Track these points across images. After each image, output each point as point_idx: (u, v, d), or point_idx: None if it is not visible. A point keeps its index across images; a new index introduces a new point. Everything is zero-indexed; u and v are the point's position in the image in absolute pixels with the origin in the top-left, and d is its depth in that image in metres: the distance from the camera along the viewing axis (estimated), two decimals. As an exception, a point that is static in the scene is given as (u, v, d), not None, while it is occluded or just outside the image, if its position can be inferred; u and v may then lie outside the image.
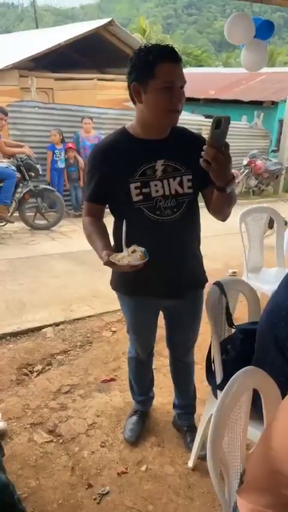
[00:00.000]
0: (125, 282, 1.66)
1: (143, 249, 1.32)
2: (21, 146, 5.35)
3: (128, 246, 1.35)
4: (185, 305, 1.72)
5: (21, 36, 13.16)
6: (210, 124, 1.22)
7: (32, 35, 12.72)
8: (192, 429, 1.97)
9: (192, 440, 1.90)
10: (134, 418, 2.06)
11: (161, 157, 1.47)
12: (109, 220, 1.64)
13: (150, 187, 1.46)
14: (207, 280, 1.78)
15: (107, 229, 1.57)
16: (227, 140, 1.25)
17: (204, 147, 1.23)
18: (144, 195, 1.47)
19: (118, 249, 1.42)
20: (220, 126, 1.21)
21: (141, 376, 2.03)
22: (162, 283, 1.60)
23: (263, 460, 0.80)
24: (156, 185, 1.47)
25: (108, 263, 1.32)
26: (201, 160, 1.25)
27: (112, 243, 1.54)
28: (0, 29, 67.16)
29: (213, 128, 1.21)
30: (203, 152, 1.23)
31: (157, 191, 1.47)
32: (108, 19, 9.80)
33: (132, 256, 1.32)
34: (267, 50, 3.30)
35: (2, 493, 1.24)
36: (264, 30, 3.14)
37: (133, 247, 1.34)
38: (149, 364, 2.02)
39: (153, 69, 1.33)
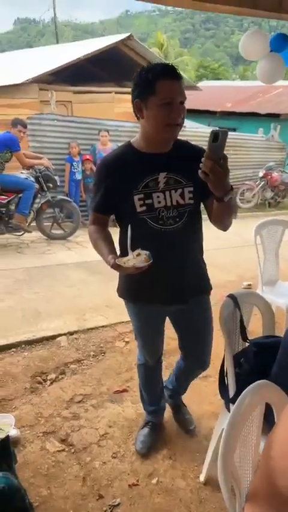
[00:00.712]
0: (130, 289, 1.73)
1: (147, 252, 1.39)
2: (40, 158, 5.47)
3: (132, 250, 1.42)
4: (189, 311, 1.75)
5: (41, 51, 13.50)
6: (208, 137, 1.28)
7: (52, 49, 13.05)
8: (181, 406, 2.19)
9: (184, 415, 2.15)
10: (146, 429, 2.06)
11: (164, 170, 1.54)
12: (115, 231, 1.67)
13: (153, 198, 1.53)
14: (211, 287, 1.81)
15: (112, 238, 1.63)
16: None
17: (203, 159, 1.28)
18: (148, 206, 1.53)
19: (123, 254, 1.49)
20: (218, 139, 1.27)
21: (151, 383, 2.04)
22: (165, 289, 1.66)
23: (264, 469, 0.81)
24: (158, 196, 1.54)
25: (115, 266, 1.39)
26: (199, 171, 1.30)
27: (118, 251, 1.59)
28: (22, 44, 69.13)
29: (210, 141, 1.27)
30: (201, 164, 1.29)
31: (159, 202, 1.54)
32: (127, 34, 9.98)
33: (137, 259, 1.38)
34: (283, 63, 3.32)
35: (14, 497, 1.26)
36: (279, 42, 3.16)
37: (138, 251, 1.40)
38: (158, 371, 2.03)
39: (154, 86, 1.40)
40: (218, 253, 5.47)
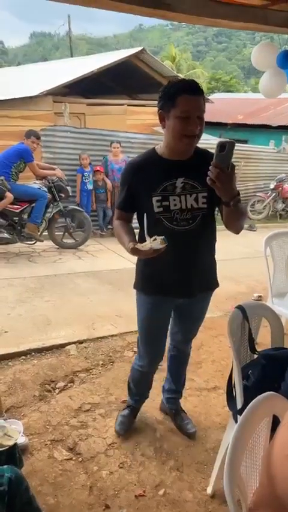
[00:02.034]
0: (144, 282, 1.90)
1: (163, 236, 1.53)
2: (53, 169, 5.57)
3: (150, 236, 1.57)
4: (194, 303, 1.93)
5: (56, 64, 13.81)
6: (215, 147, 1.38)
7: (67, 63, 13.33)
8: (179, 412, 2.23)
9: (183, 419, 2.18)
10: (126, 411, 2.22)
11: (182, 176, 1.68)
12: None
13: (169, 201, 1.68)
14: (218, 284, 1.97)
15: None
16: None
17: (211, 167, 1.41)
18: (164, 207, 1.69)
19: (141, 242, 1.63)
20: (225, 149, 1.38)
21: (142, 383, 2.17)
22: (175, 283, 1.82)
23: (265, 478, 0.82)
24: (174, 200, 1.69)
25: (134, 250, 1.57)
26: (207, 178, 1.43)
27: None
28: (37, 57, 70.65)
29: (217, 151, 1.40)
30: (209, 172, 1.42)
31: (175, 205, 1.69)
32: (140, 48, 10.18)
33: (153, 243, 1.53)
34: (285, 78, 3.36)
35: (20, 487, 1.28)
36: (283, 59, 3.20)
37: (154, 236, 1.55)
38: (151, 375, 2.16)
39: (175, 100, 1.54)
40: (229, 264, 5.46)
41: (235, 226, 1.69)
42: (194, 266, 1.80)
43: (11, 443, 1.39)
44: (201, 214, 1.71)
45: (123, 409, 2.25)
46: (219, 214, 1.73)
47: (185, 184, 1.68)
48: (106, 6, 1.93)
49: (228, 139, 1.43)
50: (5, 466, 1.31)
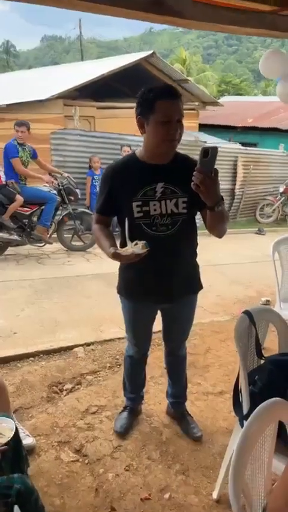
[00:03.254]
0: (126, 287, 1.93)
1: (144, 241, 1.53)
2: (60, 173, 5.57)
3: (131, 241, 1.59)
4: (178, 308, 1.96)
5: (67, 68, 13.93)
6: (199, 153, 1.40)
7: (77, 66, 13.44)
8: (185, 416, 2.24)
9: (189, 424, 2.19)
10: (125, 413, 2.25)
11: (161, 181, 1.70)
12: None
13: (149, 206, 1.69)
14: (201, 287, 1.98)
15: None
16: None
17: (195, 172, 1.41)
18: (144, 212, 1.70)
19: (123, 248, 1.64)
20: (208, 155, 1.39)
21: (134, 374, 2.23)
22: (156, 288, 1.84)
23: (284, 492, 0.82)
24: (154, 205, 1.70)
25: (115, 254, 1.57)
26: (192, 183, 1.43)
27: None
28: (48, 60, 71.26)
29: (201, 157, 1.40)
30: (193, 177, 1.42)
31: (155, 210, 1.70)
32: (150, 51, 10.22)
33: (135, 247, 1.54)
34: None
35: (29, 498, 1.29)
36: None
37: (136, 241, 1.56)
38: (142, 364, 2.22)
39: (153, 105, 1.56)
40: (237, 268, 5.46)
41: (218, 230, 1.69)
42: (175, 271, 1.81)
43: (3, 441, 1.39)
44: (181, 219, 1.73)
45: (121, 412, 2.28)
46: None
47: (165, 189, 1.69)
48: (118, 13, 1.96)
49: (211, 145, 1.45)
50: (16, 476, 1.31)
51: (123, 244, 1.68)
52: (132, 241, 1.58)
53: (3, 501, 1.22)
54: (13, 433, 1.42)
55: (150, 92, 1.57)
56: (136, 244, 1.54)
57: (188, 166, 1.57)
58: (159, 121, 1.56)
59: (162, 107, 1.55)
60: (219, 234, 1.71)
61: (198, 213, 1.81)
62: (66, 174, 5.58)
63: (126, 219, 1.70)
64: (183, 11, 2.06)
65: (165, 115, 1.55)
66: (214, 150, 1.41)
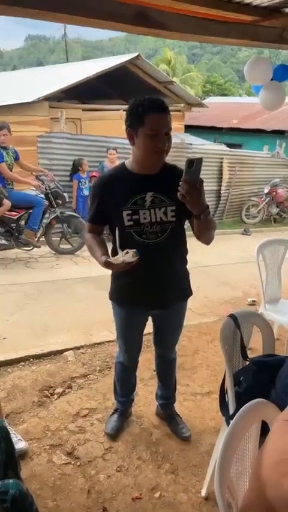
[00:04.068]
0: (118, 294, 1.99)
1: (134, 249, 1.59)
2: (44, 171, 5.57)
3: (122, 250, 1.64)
4: (169, 314, 2.02)
5: (52, 70, 13.88)
6: (184, 164, 1.46)
7: (63, 68, 13.41)
8: (174, 416, 2.30)
9: (178, 424, 2.25)
10: (115, 415, 2.30)
11: (151, 190, 1.75)
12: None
13: (139, 214, 1.75)
14: (191, 293, 2.04)
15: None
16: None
17: (181, 183, 1.47)
18: (134, 221, 1.75)
19: (115, 256, 1.69)
20: (193, 166, 1.45)
21: (125, 379, 2.28)
22: (147, 295, 1.89)
23: (255, 482, 0.88)
24: (144, 213, 1.75)
25: (106, 263, 1.63)
26: (178, 194, 1.50)
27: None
28: (32, 60, 70.63)
29: (186, 168, 1.46)
30: (179, 187, 1.49)
31: (145, 218, 1.76)
32: (135, 54, 10.28)
33: (126, 256, 1.59)
34: (284, 91, 3.48)
35: (24, 503, 1.33)
36: (281, 73, 3.30)
37: (126, 250, 1.61)
38: (133, 370, 2.27)
39: (143, 118, 1.61)
40: (224, 269, 5.55)
41: (206, 238, 1.76)
42: (165, 278, 1.86)
43: None
44: (170, 227, 1.78)
45: (112, 414, 2.32)
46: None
47: (154, 198, 1.75)
48: (102, 25, 2.01)
49: (196, 157, 1.50)
50: (11, 481, 1.35)
51: (115, 252, 1.73)
52: (123, 249, 1.63)
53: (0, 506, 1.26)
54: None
55: (140, 105, 1.63)
56: (127, 252, 1.59)
57: (175, 175, 1.62)
58: (147, 134, 1.62)
59: (150, 121, 1.60)
60: (207, 242, 1.79)
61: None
62: (47, 172, 5.58)
63: (117, 227, 1.75)
64: (167, 23, 2.12)
65: (153, 128, 1.61)
66: (199, 160, 1.47)
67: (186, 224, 1.87)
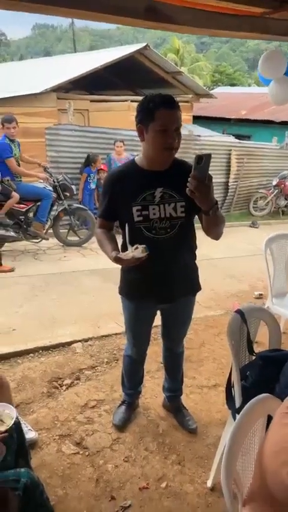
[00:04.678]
0: (127, 288, 2.01)
1: (144, 245, 1.61)
2: (39, 164, 5.54)
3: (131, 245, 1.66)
4: (177, 308, 2.04)
5: (60, 60, 13.80)
6: (193, 160, 1.48)
7: (71, 58, 13.32)
8: (181, 409, 2.34)
9: (184, 416, 2.29)
10: (123, 407, 2.34)
11: (160, 186, 1.76)
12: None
13: (149, 210, 1.77)
14: (200, 288, 2.06)
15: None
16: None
17: (189, 179, 1.49)
18: (144, 216, 1.77)
19: (124, 251, 1.71)
20: (202, 162, 1.46)
21: (133, 373, 2.32)
22: (156, 289, 1.92)
23: (257, 472, 0.91)
24: (154, 209, 1.77)
25: (116, 259, 1.65)
26: (187, 189, 1.51)
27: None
28: (39, 49, 70.14)
29: (195, 164, 1.47)
30: (188, 183, 1.50)
31: (154, 214, 1.77)
32: (143, 44, 10.16)
33: (135, 251, 1.61)
34: None
35: (35, 491, 1.37)
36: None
37: (136, 245, 1.63)
38: (141, 363, 2.31)
39: (153, 114, 1.62)
40: (231, 261, 5.54)
41: (214, 233, 1.78)
42: (174, 273, 1.89)
43: (2, 429, 1.42)
44: (179, 223, 1.80)
45: (119, 406, 2.36)
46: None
47: (163, 193, 1.76)
48: (111, 20, 2.00)
49: (205, 152, 1.51)
50: (22, 470, 1.39)
51: (124, 248, 1.75)
52: (132, 245, 1.65)
53: (12, 493, 1.30)
54: (13, 421, 1.47)
55: (151, 101, 1.64)
56: (136, 248, 1.62)
57: (185, 171, 1.63)
58: (158, 129, 1.63)
59: (161, 116, 1.61)
60: (216, 237, 1.80)
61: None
62: (41, 163, 5.55)
63: (127, 223, 1.77)
64: (176, 17, 2.10)
65: (163, 124, 1.62)
66: (208, 156, 1.48)
67: (195, 218, 1.88)
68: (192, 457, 2.10)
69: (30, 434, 2.10)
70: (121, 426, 2.26)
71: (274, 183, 8.90)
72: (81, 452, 2.11)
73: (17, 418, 1.56)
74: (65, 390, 2.60)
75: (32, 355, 2.97)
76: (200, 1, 2.07)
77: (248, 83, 32.02)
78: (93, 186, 6.66)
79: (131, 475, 1.98)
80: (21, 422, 1.78)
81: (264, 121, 12.87)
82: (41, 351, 3.02)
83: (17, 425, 1.61)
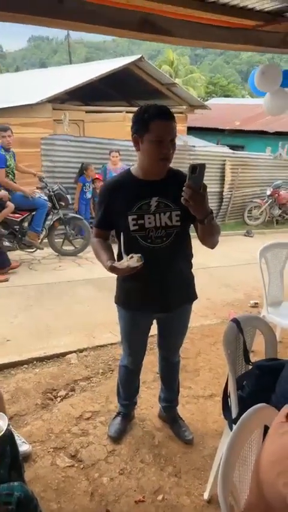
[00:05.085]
0: (125, 298, 2.00)
1: (139, 254, 1.62)
2: (34, 174, 5.54)
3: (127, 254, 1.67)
4: (174, 317, 2.04)
5: (56, 71, 13.91)
6: (187, 170, 1.49)
7: (66, 70, 13.44)
8: (177, 419, 2.32)
9: (180, 427, 2.27)
10: (118, 418, 2.32)
11: (156, 195, 1.78)
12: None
13: (144, 219, 1.77)
14: (196, 297, 2.06)
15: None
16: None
17: (184, 188, 1.50)
18: (140, 225, 1.78)
19: (120, 260, 1.73)
20: (196, 171, 1.48)
21: (129, 383, 2.29)
22: (153, 299, 1.91)
23: (254, 484, 0.90)
24: (149, 218, 1.78)
25: (111, 268, 1.66)
26: (182, 199, 1.52)
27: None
28: (35, 61, 70.78)
29: (190, 173, 1.49)
30: (183, 192, 1.51)
31: (150, 223, 1.78)
32: (138, 56, 10.28)
33: (130, 261, 1.61)
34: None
35: (29, 506, 1.34)
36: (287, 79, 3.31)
37: (131, 254, 1.63)
38: (137, 373, 2.28)
39: (148, 125, 1.64)
40: (227, 270, 5.55)
41: (210, 242, 1.78)
42: (170, 282, 1.89)
43: None
44: (175, 232, 1.80)
45: (115, 417, 2.34)
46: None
47: (159, 203, 1.77)
48: (107, 32, 2.03)
49: (199, 162, 1.52)
50: (16, 484, 1.36)
51: (120, 257, 1.75)
52: (128, 254, 1.65)
53: (5, 508, 1.27)
54: (4, 428, 1.44)
55: (146, 112, 1.65)
56: (131, 257, 1.62)
57: (180, 180, 1.64)
58: (153, 140, 1.64)
59: (156, 127, 1.63)
60: (211, 246, 1.80)
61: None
62: (36, 173, 5.55)
63: (122, 232, 1.78)
64: (171, 29, 2.14)
65: (158, 135, 1.63)
66: (202, 166, 1.49)
67: (191, 227, 1.89)
68: (189, 468, 2.08)
69: (24, 447, 2.07)
70: (116, 438, 2.23)
71: (268, 192, 8.98)
72: (76, 465, 2.08)
73: (10, 430, 1.53)
74: (59, 402, 2.56)
75: (26, 366, 2.94)
76: (194, 14, 2.10)
77: (241, 94, 32.44)
78: (89, 195, 6.68)
79: (126, 488, 1.95)
80: (14, 434, 1.75)
81: (257, 131, 13.02)
82: (35, 362, 2.99)
83: (10, 438, 1.58)
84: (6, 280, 4.82)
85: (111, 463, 2.09)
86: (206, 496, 1.90)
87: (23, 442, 2.11)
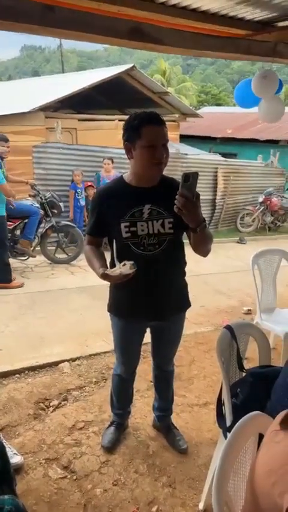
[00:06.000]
0: (116, 305, 1.99)
1: (132, 261, 1.60)
2: (25, 182, 5.52)
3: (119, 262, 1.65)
4: (167, 326, 2.02)
5: (48, 80, 13.99)
6: (180, 178, 1.49)
7: (59, 78, 13.51)
8: (171, 429, 2.30)
9: (175, 436, 2.24)
10: (112, 428, 2.29)
11: (148, 202, 1.77)
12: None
13: (137, 226, 1.76)
14: (189, 305, 2.05)
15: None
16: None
17: (177, 196, 1.49)
18: (132, 232, 1.76)
19: (112, 267, 1.72)
20: (189, 180, 1.47)
21: (122, 392, 2.27)
22: (146, 307, 1.90)
23: (249, 493, 0.89)
24: (142, 225, 1.76)
25: (104, 275, 1.65)
26: (174, 207, 1.52)
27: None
28: (28, 70, 71.07)
29: (182, 182, 1.48)
30: (175, 201, 1.51)
31: (142, 230, 1.77)
32: (130, 65, 10.38)
33: (123, 268, 1.60)
34: (283, 103, 3.54)
35: None
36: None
37: (124, 261, 1.62)
38: (130, 382, 2.26)
39: (139, 131, 1.63)
40: (219, 277, 5.56)
41: (202, 250, 1.77)
42: (163, 290, 1.87)
43: None
44: (167, 239, 1.79)
45: (108, 427, 2.31)
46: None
47: (151, 210, 1.76)
48: (98, 40, 2.04)
49: (192, 171, 1.52)
50: (6, 497, 1.33)
51: (113, 264, 1.74)
52: (120, 261, 1.64)
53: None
54: (15, 455, 1.42)
55: (135, 119, 1.65)
56: (124, 264, 1.61)
57: (172, 188, 1.63)
58: (145, 146, 1.64)
59: (147, 133, 1.63)
60: (203, 254, 1.79)
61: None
62: (28, 181, 5.53)
63: (115, 239, 1.77)
64: (162, 38, 2.15)
65: (150, 140, 1.63)
66: (195, 175, 1.49)
67: (184, 235, 1.88)
68: (184, 478, 2.05)
69: (15, 458, 2.03)
70: (110, 448, 2.20)
71: (260, 200, 9.05)
72: (68, 476, 2.04)
73: (1, 442, 1.50)
74: (52, 412, 2.53)
75: (18, 375, 2.90)
76: (185, 23, 2.12)
77: (233, 103, 32.77)
78: (82, 202, 6.68)
79: (120, 500, 1.91)
80: (5, 446, 1.72)
81: (249, 140, 13.16)
82: (27, 372, 2.95)
83: (0, 450, 1.55)
84: (21, 285, 4.88)
85: (105, 473, 2.06)
86: (201, 506, 1.87)
87: (15, 453, 2.07)
